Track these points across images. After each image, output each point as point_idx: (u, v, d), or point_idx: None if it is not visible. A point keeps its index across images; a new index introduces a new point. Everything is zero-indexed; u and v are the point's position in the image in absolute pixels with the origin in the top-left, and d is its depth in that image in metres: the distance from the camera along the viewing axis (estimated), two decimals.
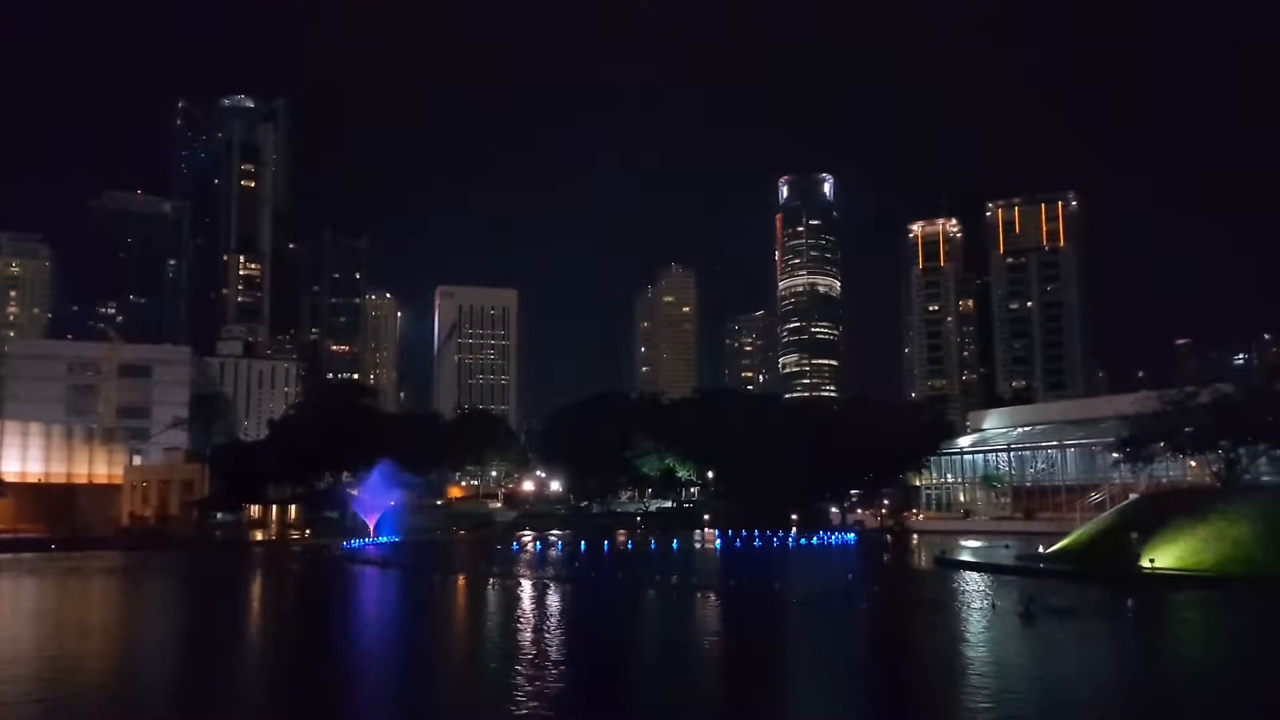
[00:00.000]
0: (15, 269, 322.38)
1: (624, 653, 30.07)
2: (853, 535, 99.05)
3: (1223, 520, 49.16)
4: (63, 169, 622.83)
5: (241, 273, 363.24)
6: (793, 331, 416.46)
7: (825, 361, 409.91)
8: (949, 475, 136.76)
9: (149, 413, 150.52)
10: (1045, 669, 26.42)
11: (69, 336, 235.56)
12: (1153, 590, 43.14)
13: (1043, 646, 29.73)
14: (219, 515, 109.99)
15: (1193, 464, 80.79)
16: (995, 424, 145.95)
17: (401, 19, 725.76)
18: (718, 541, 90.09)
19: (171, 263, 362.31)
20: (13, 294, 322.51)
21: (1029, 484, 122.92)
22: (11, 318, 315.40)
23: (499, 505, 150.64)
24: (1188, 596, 41.30)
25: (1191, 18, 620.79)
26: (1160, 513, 53.80)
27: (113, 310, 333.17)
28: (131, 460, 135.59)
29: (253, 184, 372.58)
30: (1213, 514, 50.12)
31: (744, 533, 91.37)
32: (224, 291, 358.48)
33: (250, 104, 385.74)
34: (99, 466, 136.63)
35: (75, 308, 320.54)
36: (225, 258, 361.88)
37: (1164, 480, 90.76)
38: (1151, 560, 47.95)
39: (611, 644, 31.59)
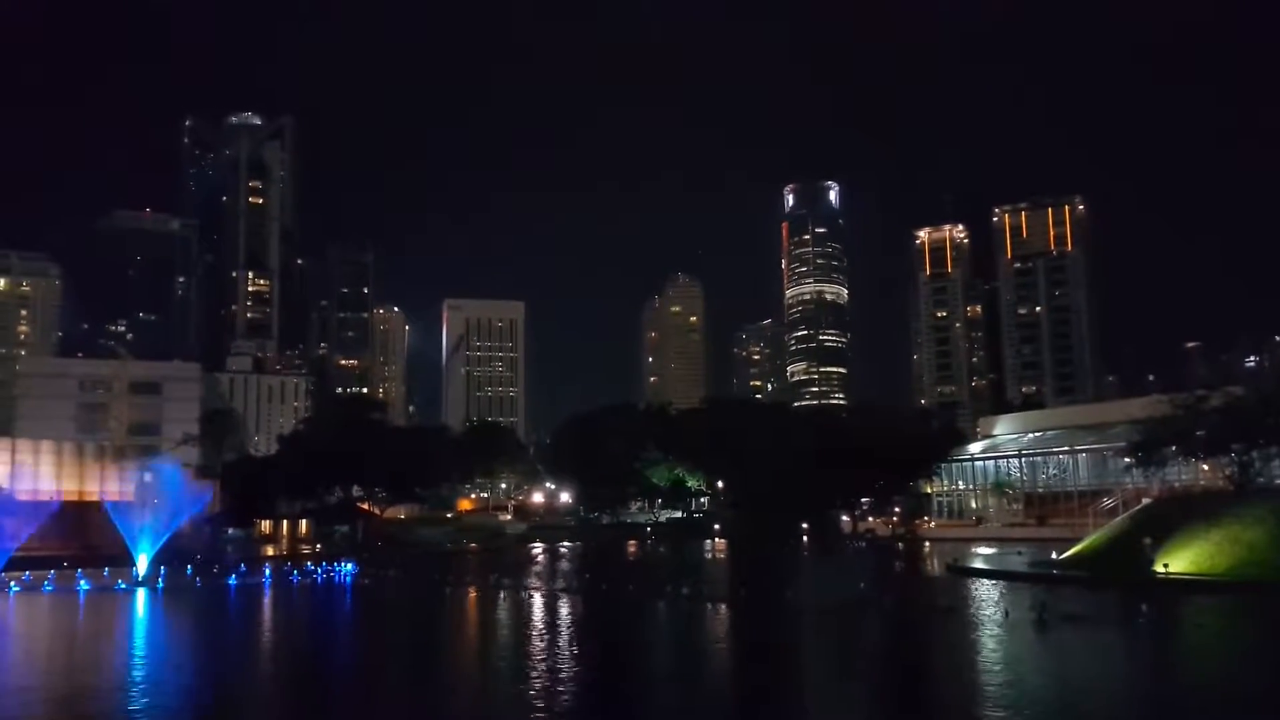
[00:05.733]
0: (25, 288, 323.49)
1: (639, 664, 29.95)
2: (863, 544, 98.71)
3: (1236, 524, 48.86)
4: (72, 189, 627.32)
5: (250, 289, 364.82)
6: (800, 340, 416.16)
7: (833, 369, 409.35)
8: (960, 482, 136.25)
9: (159, 429, 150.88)
10: (1060, 677, 26.21)
11: (79, 355, 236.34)
12: (1167, 596, 42.86)
13: (1057, 654, 29.54)
14: (230, 531, 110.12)
15: (1205, 468, 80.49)
16: (1006, 430, 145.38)
17: (405, 34, 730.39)
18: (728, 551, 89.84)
19: (180, 280, 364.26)
20: (23, 313, 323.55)
21: (1041, 490, 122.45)
22: (22, 336, 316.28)
23: (509, 518, 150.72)
24: (1202, 602, 41.00)
25: (1195, 19, 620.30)
26: (1173, 517, 53.50)
27: (122, 328, 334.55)
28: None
29: (260, 201, 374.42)
30: (1226, 518, 49.83)
31: (755, 542, 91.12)
32: (233, 308, 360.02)
33: (257, 121, 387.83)
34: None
35: (85, 326, 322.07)
36: (234, 274, 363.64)
37: (1176, 484, 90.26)
38: (1165, 565, 47.64)
39: (625, 655, 31.45)
